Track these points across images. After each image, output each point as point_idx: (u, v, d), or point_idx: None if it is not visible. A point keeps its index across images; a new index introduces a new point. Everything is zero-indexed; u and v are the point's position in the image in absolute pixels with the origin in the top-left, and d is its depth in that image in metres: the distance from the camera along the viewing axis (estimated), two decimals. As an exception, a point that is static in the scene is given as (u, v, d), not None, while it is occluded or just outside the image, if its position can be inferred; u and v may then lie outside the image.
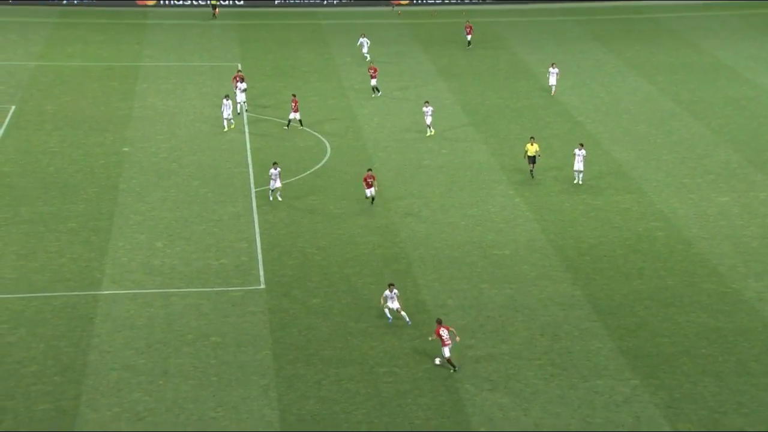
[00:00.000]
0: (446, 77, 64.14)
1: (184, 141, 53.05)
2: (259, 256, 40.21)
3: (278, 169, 43.60)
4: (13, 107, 57.40)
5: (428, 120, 52.08)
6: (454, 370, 32.47)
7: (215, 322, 35.36)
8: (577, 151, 46.54)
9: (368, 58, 63.21)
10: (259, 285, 37.88)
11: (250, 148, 51.90)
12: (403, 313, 34.95)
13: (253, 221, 43.38)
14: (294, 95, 55.09)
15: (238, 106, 54.72)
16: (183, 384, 31.81)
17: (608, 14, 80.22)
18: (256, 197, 45.63)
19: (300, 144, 52.22)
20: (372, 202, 43.68)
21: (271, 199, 43.94)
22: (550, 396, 31.32)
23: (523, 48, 70.75)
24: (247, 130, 54.54)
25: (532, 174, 46.58)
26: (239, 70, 57.74)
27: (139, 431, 29.55)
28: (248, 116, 56.00)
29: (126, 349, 33.79)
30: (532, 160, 46.53)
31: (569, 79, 63.62)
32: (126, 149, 51.95)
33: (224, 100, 53.25)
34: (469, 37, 68.53)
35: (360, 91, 61.28)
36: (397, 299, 34.94)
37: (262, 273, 38.85)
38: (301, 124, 53.63)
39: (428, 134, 52.01)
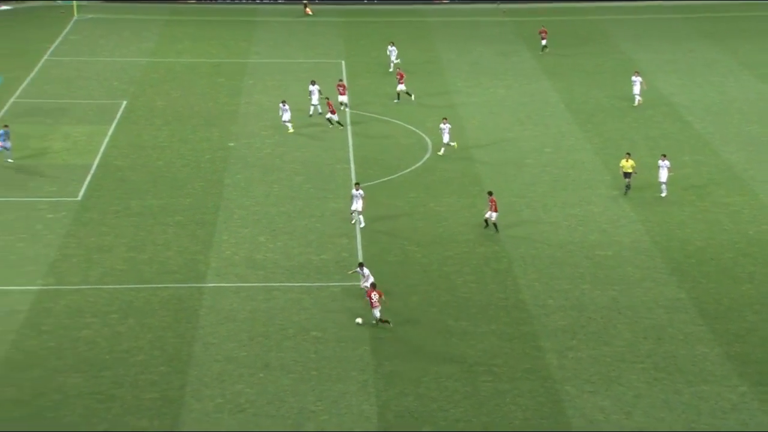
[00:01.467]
0: (551, 76, 63.50)
1: (288, 137, 53.52)
2: (360, 253, 40.28)
3: (360, 191, 41.72)
4: (125, 102, 58.67)
5: (445, 138, 49.09)
6: (390, 324, 33.57)
7: (316, 317, 35.48)
8: (660, 162, 45.10)
9: (397, 61, 62.37)
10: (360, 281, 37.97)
11: (353, 145, 52.06)
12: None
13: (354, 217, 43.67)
14: (341, 80, 55.98)
15: (311, 108, 54.51)
16: (284, 377, 32.00)
17: (719, 12, 78.62)
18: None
19: (402, 141, 52.16)
20: (487, 226, 41.82)
21: (352, 221, 42.44)
22: (653, 400, 30.85)
23: (631, 46, 69.62)
24: (349, 127, 54.71)
25: (626, 190, 45.14)
26: (341, 80, 57.82)
27: (241, 422, 29.82)
28: (351, 113, 56.24)
29: (229, 341, 34.08)
30: (628, 175, 45.13)
31: (678, 78, 62.42)
32: (232, 144, 52.63)
33: (281, 105, 53.63)
34: (543, 42, 66.87)
35: (463, 89, 61.08)
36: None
37: (362, 269, 39.19)
38: (339, 119, 53.24)
39: (439, 153, 49.36)
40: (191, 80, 62.80)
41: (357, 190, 42.12)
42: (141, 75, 63.59)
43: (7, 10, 78.53)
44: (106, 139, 52.68)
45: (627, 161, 45.16)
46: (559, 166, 49.11)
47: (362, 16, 78.36)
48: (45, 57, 66.67)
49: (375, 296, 34.12)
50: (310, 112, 55.40)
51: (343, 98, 55.76)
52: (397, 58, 62.96)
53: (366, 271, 36.17)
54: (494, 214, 41.57)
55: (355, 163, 49.65)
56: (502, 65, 65.49)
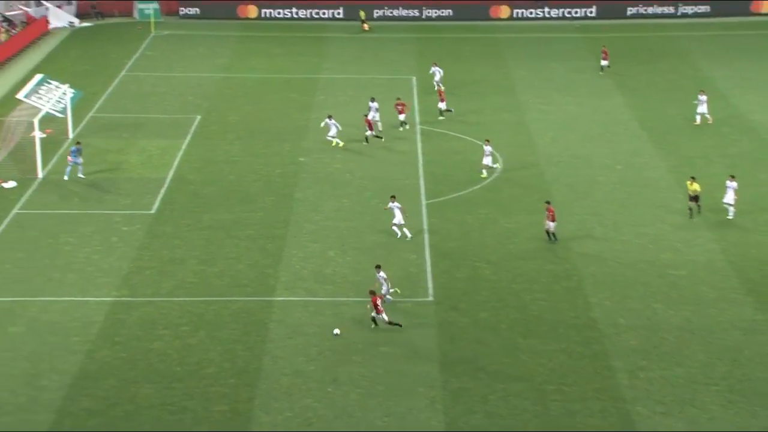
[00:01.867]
0: (624, 92, 62.79)
1: (357, 152, 53.63)
2: (428, 268, 40.10)
3: (395, 203, 41.62)
4: (199, 117, 59.31)
5: (486, 160, 48.07)
6: (400, 325, 34.18)
7: (384, 332, 35.35)
8: (728, 182, 44.01)
9: (438, 76, 61.94)
10: (428, 297, 37.69)
11: (422, 161, 52.09)
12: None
13: (423, 233, 43.35)
14: (399, 98, 56.38)
15: (378, 125, 54.58)
16: (352, 392, 31.91)
17: (799, 28, 78.01)
18: (426, 209, 45.61)
19: (472, 157, 51.89)
20: (549, 238, 41.55)
21: (398, 236, 42.29)
22: (728, 424, 30.22)
23: (707, 63, 68.63)
24: (419, 143, 54.73)
25: (690, 214, 44.11)
26: (399, 98, 57.80)
27: (309, 436, 30.28)
28: (420, 129, 56.36)
29: (297, 355, 34.12)
30: (694, 198, 44.01)
31: (756, 96, 61.33)
32: (302, 159, 52.85)
33: (327, 120, 53.86)
34: (604, 62, 65.90)
35: (535, 105, 60.71)
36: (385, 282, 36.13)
37: (430, 285, 38.61)
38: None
39: (483, 175, 48.63)
40: (263, 95, 63.05)
41: (393, 202, 42.20)
42: (215, 90, 64.06)
43: (87, 27, 79.94)
44: (180, 154, 53.27)
45: (692, 184, 44.19)
46: (632, 184, 48.53)
47: (433, 32, 78.29)
48: (123, 72, 67.59)
49: (380, 301, 34.71)
50: (380, 128, 55.73)
51: (402, 117, 55.85)
52: (439, 78, 62.57)
53: (383, 275, 36.32)
54: (552, 224, 41.25)
55: (424, 179, 49.65)
56: (575, 82, 64.91)
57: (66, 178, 48.10)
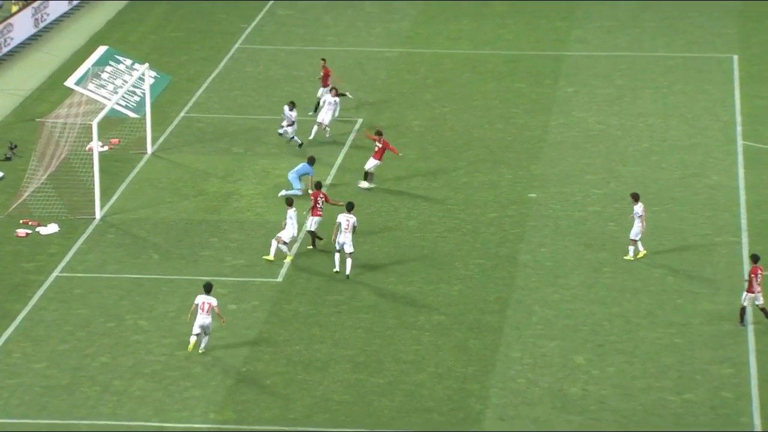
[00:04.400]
0: None
1: (623, 182, 53.73)
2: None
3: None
4: (360, 120, 59.94)
5: None
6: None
7: None
8: None
9: None
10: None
11: (745, 201, 52.62)
12: None
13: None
14: None
15: None
16: None
17: None
18: None
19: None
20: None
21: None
22: None
23: None
24: (740, 168, 55.28)
25: None
26: None
27: None
28: (744, 146, 57.08)
29: None
30: None
31: None
32: (533, 196, 52.98)
33: (287, 110, 56.02)
34: None
35: None
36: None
37: None
38: None
39: None
40: (468, 85, 64.83)
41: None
42: (387, 74, 65.95)
43: None
44: (328, 181, 54.08)
45: None
46: None
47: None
48: (235, 45, 69.99)
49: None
50: None
51: None
52: None
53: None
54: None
55: (749, 235, 49.53)
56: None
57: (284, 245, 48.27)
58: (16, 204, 50.92)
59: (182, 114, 60.43)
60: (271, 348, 42.37)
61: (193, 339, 41.24)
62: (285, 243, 47.20)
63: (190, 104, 62.11)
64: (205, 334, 41.28)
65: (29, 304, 44.63)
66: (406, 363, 41.46)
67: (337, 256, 46.48)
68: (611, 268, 47.31)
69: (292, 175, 52.13)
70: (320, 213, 47.71)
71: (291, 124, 55.86)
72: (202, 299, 41.05)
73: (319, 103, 58.63)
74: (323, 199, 47.90)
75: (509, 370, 40.95)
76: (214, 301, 41.06)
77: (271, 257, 47.13)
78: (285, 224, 47.14)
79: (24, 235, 49.29)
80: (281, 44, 69.82)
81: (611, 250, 48.56)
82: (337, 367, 41.14)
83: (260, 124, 58.74)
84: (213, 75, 65.54)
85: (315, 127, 56.89)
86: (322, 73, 59.51)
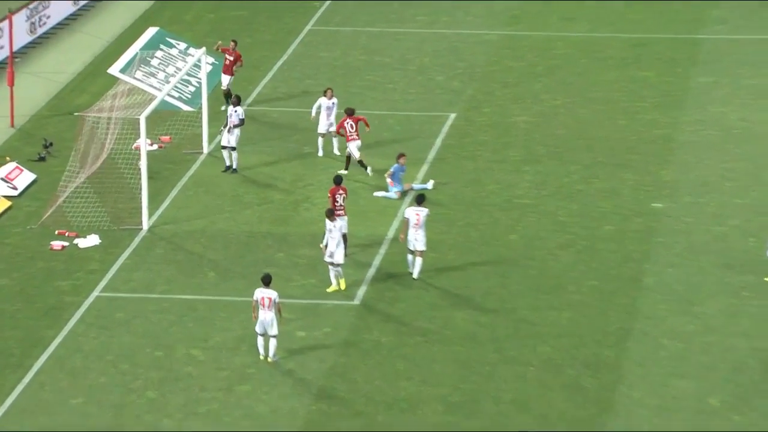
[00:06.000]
0: None
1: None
2: None
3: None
4: (452, 116, 60.46)
5: None
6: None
7: None
8: None
9: None
10: None
11: None
12: None
13: None
14: None
15: None
16: None
17: None
18: None
19: None
20: None
21: None
22: None
23: None
24: None
25: None
26: None
27: None
28: None
29: None
30: None
31: None
32: (658, 205, 53.15)
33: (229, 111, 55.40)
34: None
35: None
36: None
37: None
38: None
39: None
40: (586, 74, 65.31)
41: None
42: (486, 60, 66.40)
43: None
44: (413, 189, 54.00)
45: None
46: None
47: None
48: (307, 27, 71.16)
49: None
50: None
51: None
52: None
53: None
54: None
55: None
56: None
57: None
58: (50, 211, 51.26)
59: (244, 107, 60.60)
60: (347, 385, 42.42)
61: (260, 344, 42.14)
62: (334, 264, 47.18)
63: (253, 95, 62.72)
64: (271, 336, 41.68)
65: (64, 330, 44.79)
66: (508, 404, 41.49)
67: (410, 258, 46.66)
68: (756, 294, 47.13)
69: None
70: (341, 212, 48.08)
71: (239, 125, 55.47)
72: (260, 293, 41.70)
73: (229, 98, 58.34)
74: (343, 196, 48.37)
75: (631, 414, 40.90)
76: (274, 295, 41.59)
77: (337, 287, 47.28)
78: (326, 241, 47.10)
79: (59, 248, 49.60)
80: (361, 25, 70.02)
81: (756, 272, 48.37)
82: (426, 408, 41.18)
83: (336, 119, 58.68)
84: (281, 61, 66.04)
85: (320, 141, 57.00)
86: (230, 59, 59.65)
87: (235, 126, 55.11)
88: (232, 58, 59.86)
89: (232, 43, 60.31)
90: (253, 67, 64.79)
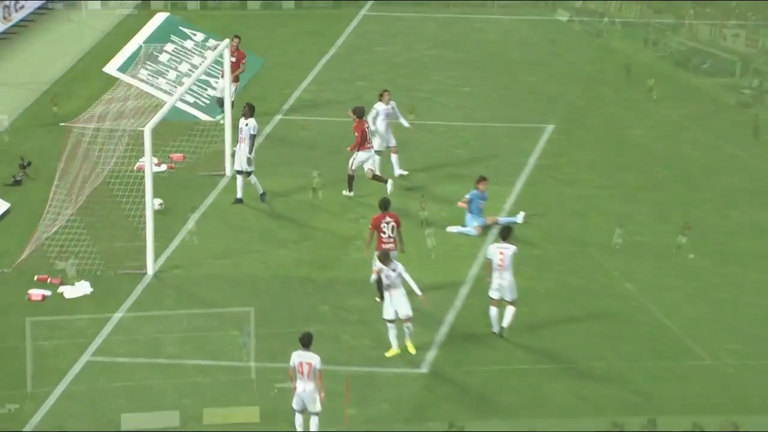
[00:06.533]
0: None
1: None
2: None
3: None
4: (550, 127, 62.01)
5: None
6: None
7: None
8: None
9: None
10: None
11: None
12: None
13: None
14: None
15: None
16: None
17: None
18: None
19: None
20: None
21: None
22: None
23: None
24: None
25: None
26: None
27: None
28: None
29: None
30: None
31: None
32: None
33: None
34: None
35: None
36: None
37: None
38: None
39: None
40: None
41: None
42: (592, 59, 67.11)
43: None
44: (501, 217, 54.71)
45: None
46: None
47: None
48: (362, 11, 73.65)
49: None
50: None
51: None
52: None
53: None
54: None
55: None
56: None
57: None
58: (28, 251, 51.28)
59: (278, 116, 60.92)
60: (413, 476, 42.60)
61: (298, 424, 41.95)
62: (391, 321, 47.23)
63: (291, 101, 63.18)
64: (312, 413, 41.65)
65: (45, 405, 44.71)
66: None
67: (493, 311, 46.64)
68: None
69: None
70: (391, 245, 48.17)
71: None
72: (298, 358, 41.60)
73: (222, 104, 58.22)
74: (392, 225, 48.30)
75: None
76: (315, 360, 41.51)
77: (397, 350, 47.16)
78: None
79: (40, 298, 49.67)
80: (431, 10, 70.06)
81: None
82: None
83: (396, 130, 58.65)
84: (326, 58, 65.86)
85: (394, 158, 57.41)
86: (232, 59, 59.01)
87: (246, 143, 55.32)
88: (234, 59, 59.33)
89: (236, 40, 59.92)
90: (290, 66, 65.00)
